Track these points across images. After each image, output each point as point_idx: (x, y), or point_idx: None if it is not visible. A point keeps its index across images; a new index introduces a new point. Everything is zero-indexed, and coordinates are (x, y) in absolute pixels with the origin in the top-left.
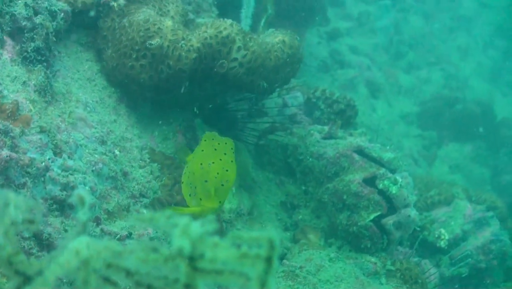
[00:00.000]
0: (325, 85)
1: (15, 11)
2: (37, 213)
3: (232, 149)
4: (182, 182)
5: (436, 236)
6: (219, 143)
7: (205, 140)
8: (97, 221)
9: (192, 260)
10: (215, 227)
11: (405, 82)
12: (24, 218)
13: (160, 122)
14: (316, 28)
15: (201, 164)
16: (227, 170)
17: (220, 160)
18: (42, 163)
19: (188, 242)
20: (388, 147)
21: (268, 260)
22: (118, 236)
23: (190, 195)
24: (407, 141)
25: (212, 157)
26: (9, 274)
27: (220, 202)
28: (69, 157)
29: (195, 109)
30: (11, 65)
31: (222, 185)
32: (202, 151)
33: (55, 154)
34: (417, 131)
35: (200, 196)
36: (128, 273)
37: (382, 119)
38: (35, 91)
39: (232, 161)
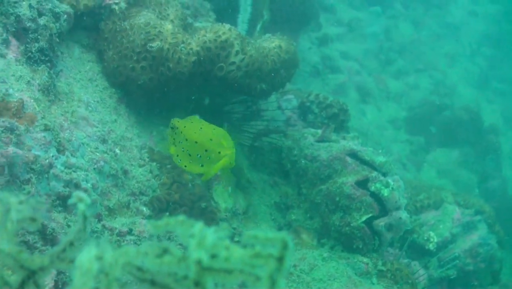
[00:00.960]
0: (316, 89)
1: (20, 12)
2: (39, 211)
3: (201, 121)
4: (185, 166)
5: (425, 238)
6: (191, 122)
7: (184, 126)
8: (99, 217)
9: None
10: (227, 233)
11: (394, 87)
12: (26, 217)
13: (158, 122)
14: (308, 34)
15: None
16: (214, 129)
17: (203, 124)
18: (46, 160)
19: (206, 253)
20: (380, 151)
21: (280, 260)
22: (119, 231)
23: (202, 166)
24: (396, 146)
25: (197, 127)
26: (14, 268)
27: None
28: (71, 155)
29: (191, 110)
30: (16, 65)
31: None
32: (187, 128)
33: (58, 151)
34: (405, 136)
35: (217, 150)
36: (139, 270)
37: (372, 123)
38: (39, 91)
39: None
